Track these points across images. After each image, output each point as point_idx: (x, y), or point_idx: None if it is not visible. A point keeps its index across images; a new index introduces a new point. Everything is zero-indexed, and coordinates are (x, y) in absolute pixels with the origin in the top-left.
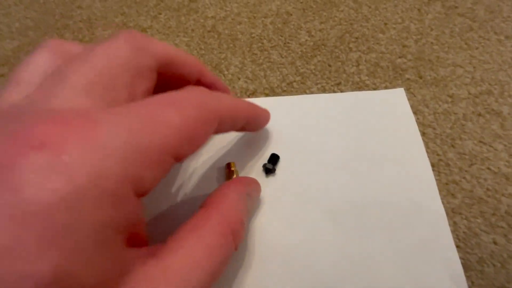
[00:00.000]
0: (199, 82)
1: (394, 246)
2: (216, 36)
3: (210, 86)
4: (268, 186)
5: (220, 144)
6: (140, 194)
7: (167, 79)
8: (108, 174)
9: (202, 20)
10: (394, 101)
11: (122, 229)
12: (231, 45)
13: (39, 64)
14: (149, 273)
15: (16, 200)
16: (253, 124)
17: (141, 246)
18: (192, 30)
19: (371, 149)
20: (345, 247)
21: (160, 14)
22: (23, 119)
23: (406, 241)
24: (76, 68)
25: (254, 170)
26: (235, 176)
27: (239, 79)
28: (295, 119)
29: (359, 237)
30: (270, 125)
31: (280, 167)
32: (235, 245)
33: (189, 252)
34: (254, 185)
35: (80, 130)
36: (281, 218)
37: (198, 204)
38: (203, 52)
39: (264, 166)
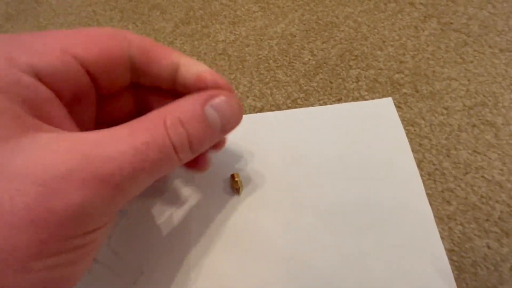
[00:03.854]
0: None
1: (384, 245)
2: (226, 58)
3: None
4: (266, 191)
5: (225, 156)
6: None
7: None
8: None
9: (213, 44)
10: (383, 110)
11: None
12: (240, 66)
13: None
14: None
15: None
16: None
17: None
18: (205, 53)
19: (362, 155)
20: (338, 247)
21: (175, 39)
22: None
23: (396, 239)
24: None
25: (259, 179)
26: (239, 186)
27: (247, 97)
28: (291, 131)
29: (351, 238)
30: (268, 137)
31: (277, 173)
32: (167, 135)
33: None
34: (220, 96)
35: None
36: (278, 221)
37: (204, 215)
38: None
39: None
